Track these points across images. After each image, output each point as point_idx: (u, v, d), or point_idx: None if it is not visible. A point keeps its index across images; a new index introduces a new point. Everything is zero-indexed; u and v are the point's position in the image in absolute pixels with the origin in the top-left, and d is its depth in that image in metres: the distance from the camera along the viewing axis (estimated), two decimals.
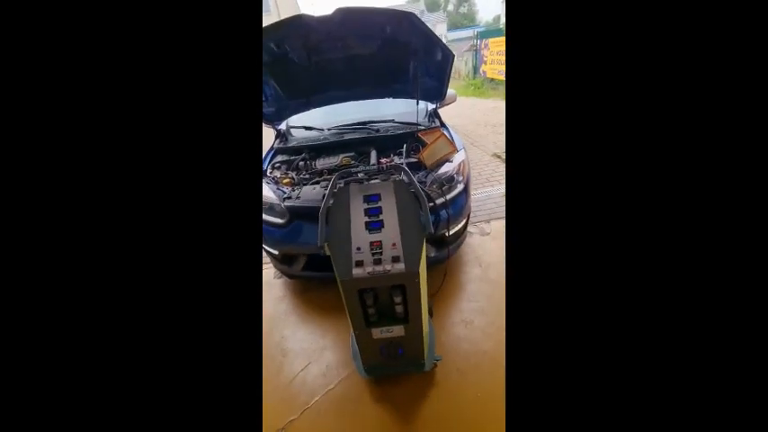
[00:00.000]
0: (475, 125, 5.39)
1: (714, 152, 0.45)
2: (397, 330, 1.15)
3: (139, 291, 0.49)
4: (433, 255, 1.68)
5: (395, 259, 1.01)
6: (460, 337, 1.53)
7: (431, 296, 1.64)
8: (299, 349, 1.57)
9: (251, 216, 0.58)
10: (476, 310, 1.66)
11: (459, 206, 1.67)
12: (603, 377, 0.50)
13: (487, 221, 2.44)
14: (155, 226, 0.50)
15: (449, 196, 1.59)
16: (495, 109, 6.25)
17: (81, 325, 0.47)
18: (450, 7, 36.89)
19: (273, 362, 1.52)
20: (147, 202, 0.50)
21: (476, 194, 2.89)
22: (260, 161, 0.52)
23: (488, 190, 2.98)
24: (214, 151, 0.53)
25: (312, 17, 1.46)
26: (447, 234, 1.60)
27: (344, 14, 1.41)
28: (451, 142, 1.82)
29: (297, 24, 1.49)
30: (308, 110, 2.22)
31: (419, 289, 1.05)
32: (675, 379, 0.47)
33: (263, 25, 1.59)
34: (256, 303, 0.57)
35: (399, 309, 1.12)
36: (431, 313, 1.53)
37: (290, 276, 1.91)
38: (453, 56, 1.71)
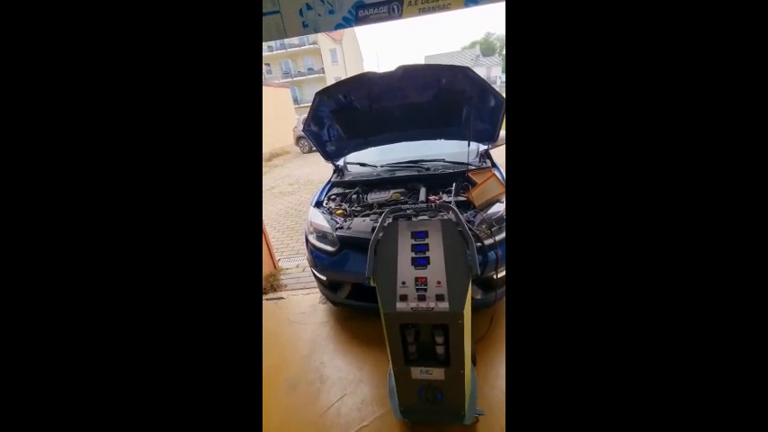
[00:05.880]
0: None
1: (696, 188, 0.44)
2: (437, 373, 1.11)
3: (138, 302, 0.49)
4: (479, 297, 1.61)
5: (439, 297, 1.01)
6: None
7: (475, 342, 1.54)
8: (336, 378, 1.58)
9: (251, 234, 0.57)
10: None
11: None
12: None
13: None
14: (153, 231, 0.51)
15: (498, 237, 1.55)
16: None
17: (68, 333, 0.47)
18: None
19: (311, 387, 1.55)
20: (146, 210, 0.50)
21: None
22: (259, 162, 0.60)
23: None
24: (215, 156, 0.54)
25: (376, 74, 1.67)
26: (495, 276, 1.54)
27: (405, 71, 1.59)
28: (502, 183, 1.81)
29: (362, 80, 1.73)
30: (365, 149, 2.42)
31: (462, 331, 1.02)
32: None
33: (337, 80, 1.86)
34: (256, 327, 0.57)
35: (441, 350, 1.09)
36: (474, 361, 1.44)
37: (334, 303, 1.98)
38: (505, 102, 1.77)
